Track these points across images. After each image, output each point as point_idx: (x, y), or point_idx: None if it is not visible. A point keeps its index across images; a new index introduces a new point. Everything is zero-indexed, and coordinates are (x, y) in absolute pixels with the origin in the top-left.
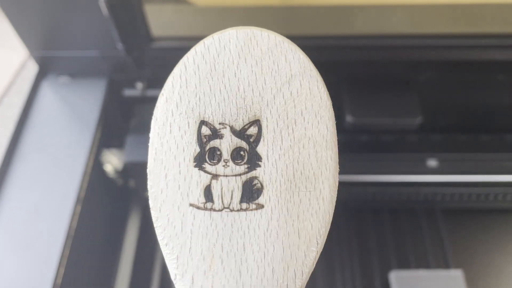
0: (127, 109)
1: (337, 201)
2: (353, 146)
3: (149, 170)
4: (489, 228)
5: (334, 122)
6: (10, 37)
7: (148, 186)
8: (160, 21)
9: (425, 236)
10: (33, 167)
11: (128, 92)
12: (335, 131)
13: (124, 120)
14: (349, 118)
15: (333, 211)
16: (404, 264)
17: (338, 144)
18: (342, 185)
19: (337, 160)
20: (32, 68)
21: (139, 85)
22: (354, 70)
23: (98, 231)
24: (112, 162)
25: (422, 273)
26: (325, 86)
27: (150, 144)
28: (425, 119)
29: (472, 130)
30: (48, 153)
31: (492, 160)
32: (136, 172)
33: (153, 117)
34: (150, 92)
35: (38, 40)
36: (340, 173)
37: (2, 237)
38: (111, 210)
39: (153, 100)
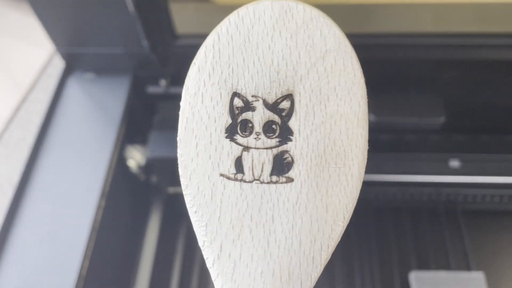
0: (150, 105)
1: (357, 200)
2: (375, 145)
3: (179, 138)
4: (511, 230)
5: (366, 100)
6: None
7: (178, 155)
8: (183, 18)
9: (446, 237)
10: (59, 161)
11: (151, 89)
12: (367, 109)
13: (147, 117)
14: (371, 117)
15: (360, 187)
16: (425, 265)
17: None
18: (362, 184)
19: (367, 137)
20: (57, 64)
21: (163, 82)
22: (376, 69)
23: (120, 225)
24: (135, 157)
25: (442, 275)
26: (359, 63)
27: (180, 113)
28: (448, 119)
29: (495, 131)
30: (74, 148)
31: None
32: (158, 168)
33: (184, 86)
34: (174, 89)
35: (65, 36)
36: None
37: (29, 229)
38: (133, 205)
39: (176, 97)
